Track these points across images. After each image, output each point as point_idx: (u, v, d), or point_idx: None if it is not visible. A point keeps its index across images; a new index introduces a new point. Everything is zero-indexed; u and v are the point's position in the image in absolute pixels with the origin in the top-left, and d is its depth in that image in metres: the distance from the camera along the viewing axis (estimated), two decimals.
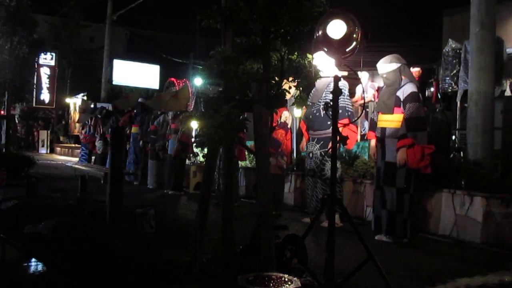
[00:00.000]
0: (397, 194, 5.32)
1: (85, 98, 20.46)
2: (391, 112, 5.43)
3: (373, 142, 5.79)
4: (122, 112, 12.16)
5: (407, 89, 5.35)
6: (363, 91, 8.65)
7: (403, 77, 5.45)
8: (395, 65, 5.45)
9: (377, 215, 5.58)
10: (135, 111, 11.55)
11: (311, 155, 6.31)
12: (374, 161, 6.00)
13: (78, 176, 8.57)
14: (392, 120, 5.40)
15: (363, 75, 9.91)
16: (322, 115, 6.03)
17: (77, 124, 21.34)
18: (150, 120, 10.71)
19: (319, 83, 5.88)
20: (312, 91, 6.25)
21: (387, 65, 5.48)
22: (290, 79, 3.57)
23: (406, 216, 5.31)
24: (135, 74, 20.01)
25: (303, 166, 8.09)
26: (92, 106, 14.39)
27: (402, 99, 5.34)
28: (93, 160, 13.23)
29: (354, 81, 6.94)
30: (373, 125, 5.79)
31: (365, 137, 7.31)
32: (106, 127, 12.10)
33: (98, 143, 12.66)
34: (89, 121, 13.49)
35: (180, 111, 10.10)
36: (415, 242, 5.40)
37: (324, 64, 4.68)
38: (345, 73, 5.89)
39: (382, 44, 9.88)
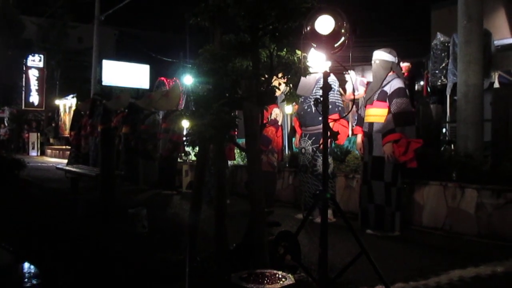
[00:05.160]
0: (385, 187, 5.35)
1: (75, 100, 20.31)
2: (371, 103, 5.47)
3: (359, 137, 5.82)
4: (115, 112, 12.09)
5: (394, 84, 5.39)
6: (353, 87, 8.66)
7: (392, 73, 5.48)
8: (391, 58, 5.50)
9: (363, 209, 5.60)
10: (126, 111, 11.49)
11: (303, 151, 6.32)
12: (361, 156, 6.03)
13: (69, 178, 8.56)
14: (380, 115, 5.43)
15: (352, 71, 9.92)
16: (313, 111, 6.04)
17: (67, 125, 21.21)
18: (141, 120, 10.66)
19: (308, 77, 5.88)
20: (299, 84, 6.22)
21: (385, 54, 5.53)
22: (280, 75, 3.56)
23: (394, 209, 5.34)
24: (125, 74, 19.87)
25: (295, 162, 8.11)
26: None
27: (388, 93, 5.38)
28: None
29: (344, 77, 6.94)
30: (360, 120, 5.81)
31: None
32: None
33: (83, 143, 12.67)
34: (79, 121, 13.42)
35: (171, 110, 10.05)
36: (407, 235, 5.43)
37: (319, 60, 4.67)
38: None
39: (371, 39, 9.90)
